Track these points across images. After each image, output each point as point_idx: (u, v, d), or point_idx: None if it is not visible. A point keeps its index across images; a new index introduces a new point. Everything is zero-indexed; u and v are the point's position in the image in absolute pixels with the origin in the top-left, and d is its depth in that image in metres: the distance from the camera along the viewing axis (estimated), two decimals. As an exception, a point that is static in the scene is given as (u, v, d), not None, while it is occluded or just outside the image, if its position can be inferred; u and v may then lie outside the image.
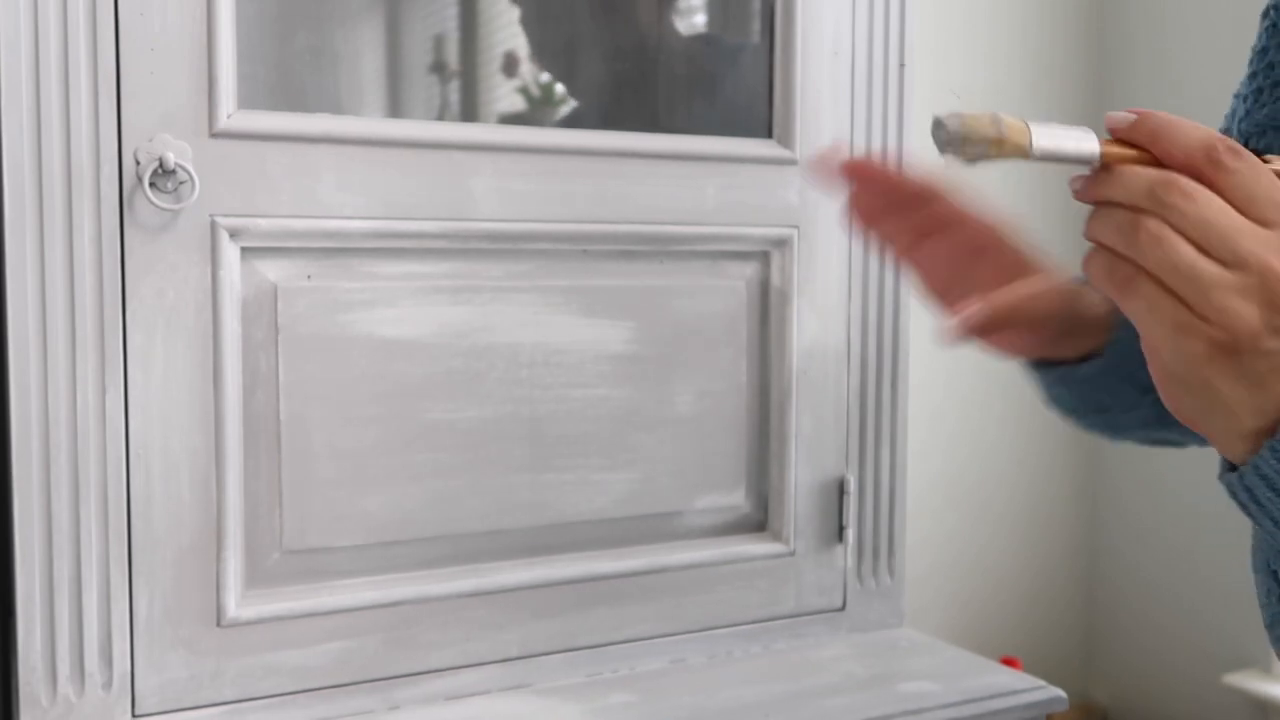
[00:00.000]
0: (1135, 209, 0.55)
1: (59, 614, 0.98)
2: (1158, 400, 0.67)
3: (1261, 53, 0.79)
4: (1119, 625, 2.37)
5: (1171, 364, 0.56)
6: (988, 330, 0.80)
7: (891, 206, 0.81)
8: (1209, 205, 0.53)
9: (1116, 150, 0.59)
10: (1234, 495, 0.61)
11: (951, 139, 0.60)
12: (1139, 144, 0.57)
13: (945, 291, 0.82)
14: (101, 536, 0.99)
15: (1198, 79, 2.14)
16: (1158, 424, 0.86)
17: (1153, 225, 0.54)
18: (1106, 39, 2.35)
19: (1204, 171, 0.54)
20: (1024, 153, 0.60)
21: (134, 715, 1.01)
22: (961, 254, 0.82)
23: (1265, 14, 0.79)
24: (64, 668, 0.99)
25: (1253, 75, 0.80)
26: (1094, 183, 0.57)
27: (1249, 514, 0.61)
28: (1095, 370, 0.83)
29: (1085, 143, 0.59)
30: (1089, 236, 0.57)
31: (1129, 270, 0.55)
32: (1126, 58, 2.32)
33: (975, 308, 0.78)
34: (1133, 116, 0.56)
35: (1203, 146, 0.54)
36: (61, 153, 0.95)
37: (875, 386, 1.31)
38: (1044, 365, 0.86)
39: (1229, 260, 0.53)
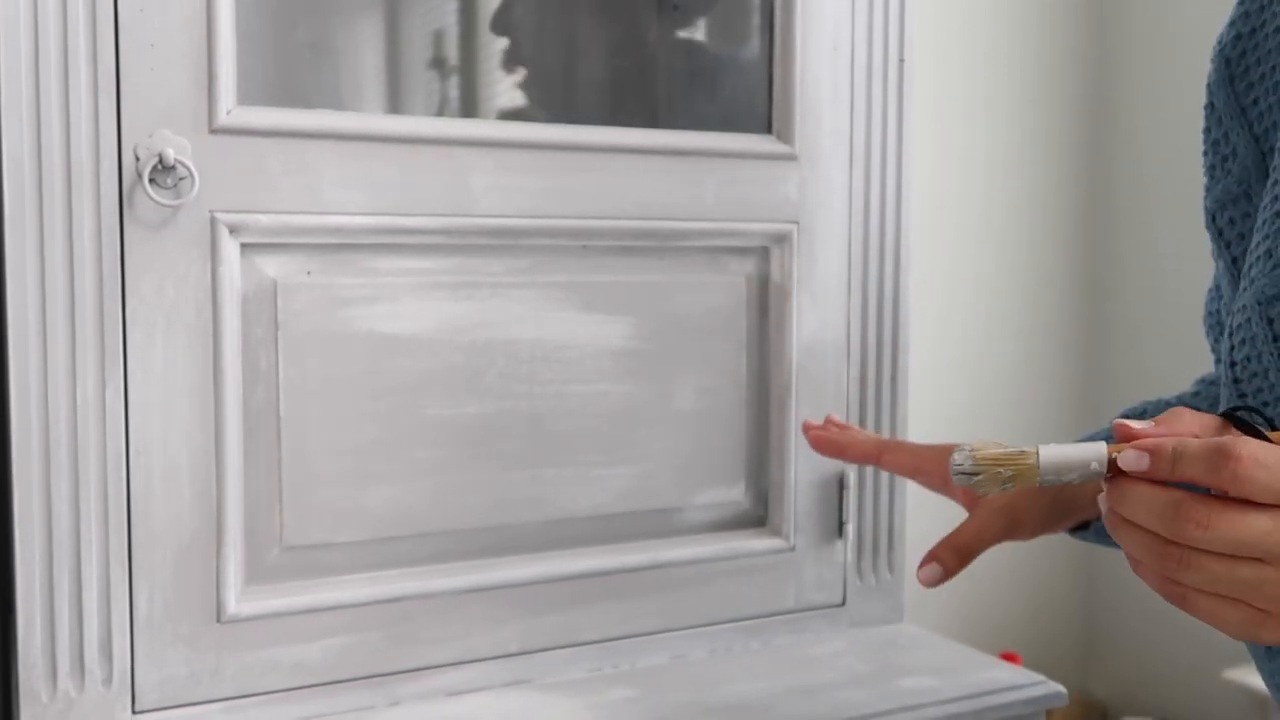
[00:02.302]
0: (1158, 535, 0.62)
1: (59, 610, 0.98)
2: None
3: (1206, 132, 0.86)
4: (1119, 620, 2.37)
5: (1239, 637, 0.64)
6: (951, 572, 0.94)
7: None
8: (1228, 525, 0.59)
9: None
10: None
11: (969, 479, 0.67)
12: (1158, 479, 0.62)
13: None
14: (101, 533, 0.99)
15: (1198, 75, 2.14)
16: None
17: (1178, 555, 0.61)
18: (1106, 33, 2.34)
19: (1216, 483, 0.60)
20: (1034, 479, 0.66)
21: (134, 711, 1.02)
22: (929, 484, 0.97)
23: (1208, 98, 0.85)
24: (64, 664, 0.99)
25: (1204, 154, 0.86)
26: (1113, 499, 0.64)
27: None
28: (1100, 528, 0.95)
29: (1093, 460, 0.65)
30: (1129, 553, 0.65)
31: (1179, 589, 0.63)
32: (1125, 53, 2.32)
33: (928, 566, 0.93)
34: (1145, 457, 0.62)
35: (1207, 465, 0.60)
36: (61, 149, 0.95)
37: (875, 381, 1.31)
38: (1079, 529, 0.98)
39: (1264, 557, 0.59)
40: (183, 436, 1.02)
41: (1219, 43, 0.83)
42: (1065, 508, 0.96)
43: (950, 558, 0.95)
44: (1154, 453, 0.62)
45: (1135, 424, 0.65)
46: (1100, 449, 0.65)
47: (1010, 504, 0.95)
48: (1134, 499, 0.62)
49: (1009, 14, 2.25)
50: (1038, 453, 0.66)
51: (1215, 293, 0.93)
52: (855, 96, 1.27)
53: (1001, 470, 0.67)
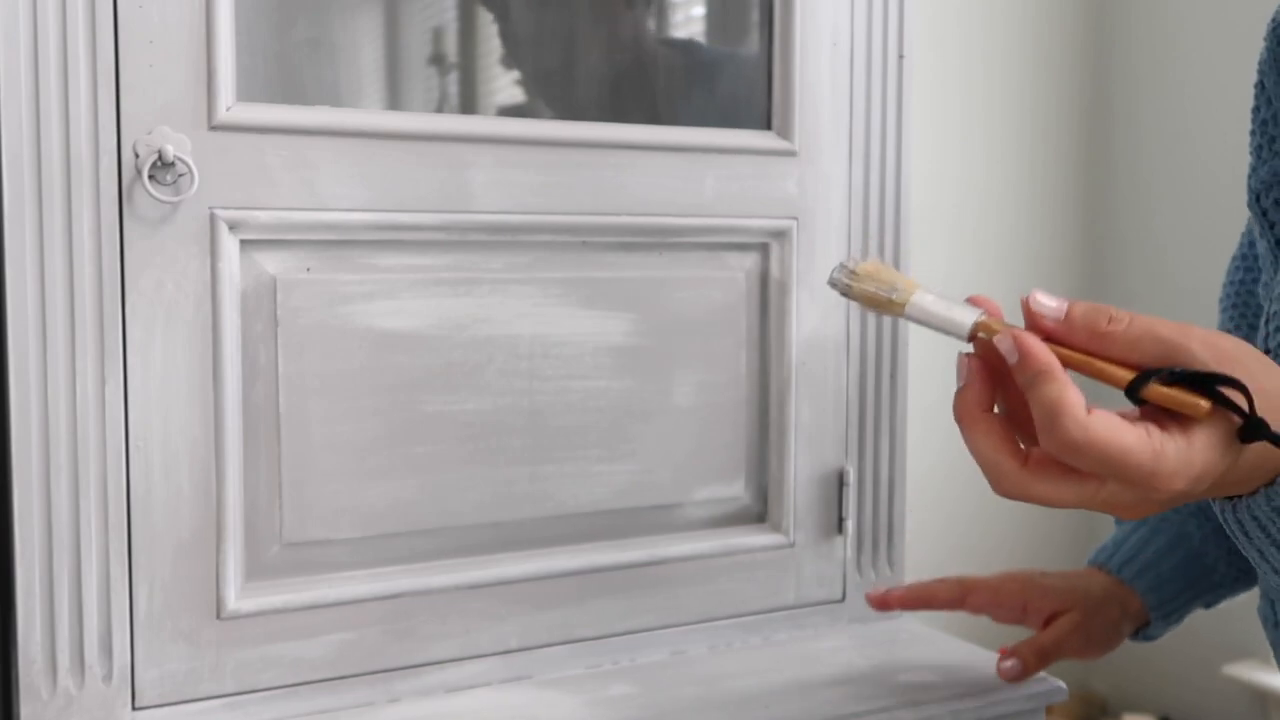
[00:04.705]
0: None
1: (59, 607, 0.98)
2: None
3: (1255, 111, 0.85)
4: (1119, 616, 2.37)
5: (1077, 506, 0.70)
6: (1031, 670, 1.12)
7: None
8: (1041, 490, 0.68)
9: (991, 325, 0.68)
10: (1225, 524, 0.71)
11: (844, 292, 0.72)
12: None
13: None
14: (101, 529, 0.99)
15: (1199, 69, 2.13)
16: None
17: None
18: (1106, 29, 2.34)
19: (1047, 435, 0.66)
20: (898, 314, 0.71)
21: (134, 708, 1.02)
22: (1007, 618, 1.14)
23: (1258, 76, 0.85)
24: (64, 660, 0.99)
25: (1251, 134, 0.86)
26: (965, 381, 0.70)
27: (1238, 543, 0.72)
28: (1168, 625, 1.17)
29: (959, 327, 0.69)
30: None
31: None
32: (1125, 49, 2.32)
33: (1010, 662, 1.11)
34: (1015, 355, 0.67)
35: (1046, 413, 0.65)
36: (60, 146, 0.95)
37: (875, 378, 1.31)
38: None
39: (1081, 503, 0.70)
40: (182, 433, 1.02)
41: (1273, 21, 0.82)
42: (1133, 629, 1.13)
43: (1032, 658, 1.10)
44: (1024, 355, 0.65)
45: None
46: (968, 321, 0.69)
47: (1085, 625, 1.09)
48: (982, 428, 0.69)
49: (1008, 10, 2.25)
50: (907, 303, 0.70)
51: (1240, 263, 0.93)
52: (855, 92, 1.27)
53: (872, 297, 0.71)
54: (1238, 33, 1.96)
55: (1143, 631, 1.16)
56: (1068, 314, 0.65)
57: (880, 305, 0.71)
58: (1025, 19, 2.21)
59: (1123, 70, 2.27)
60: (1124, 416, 0.64)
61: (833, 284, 0.72)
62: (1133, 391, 0.65)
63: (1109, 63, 2.29)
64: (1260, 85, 0.84)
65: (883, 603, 1.17)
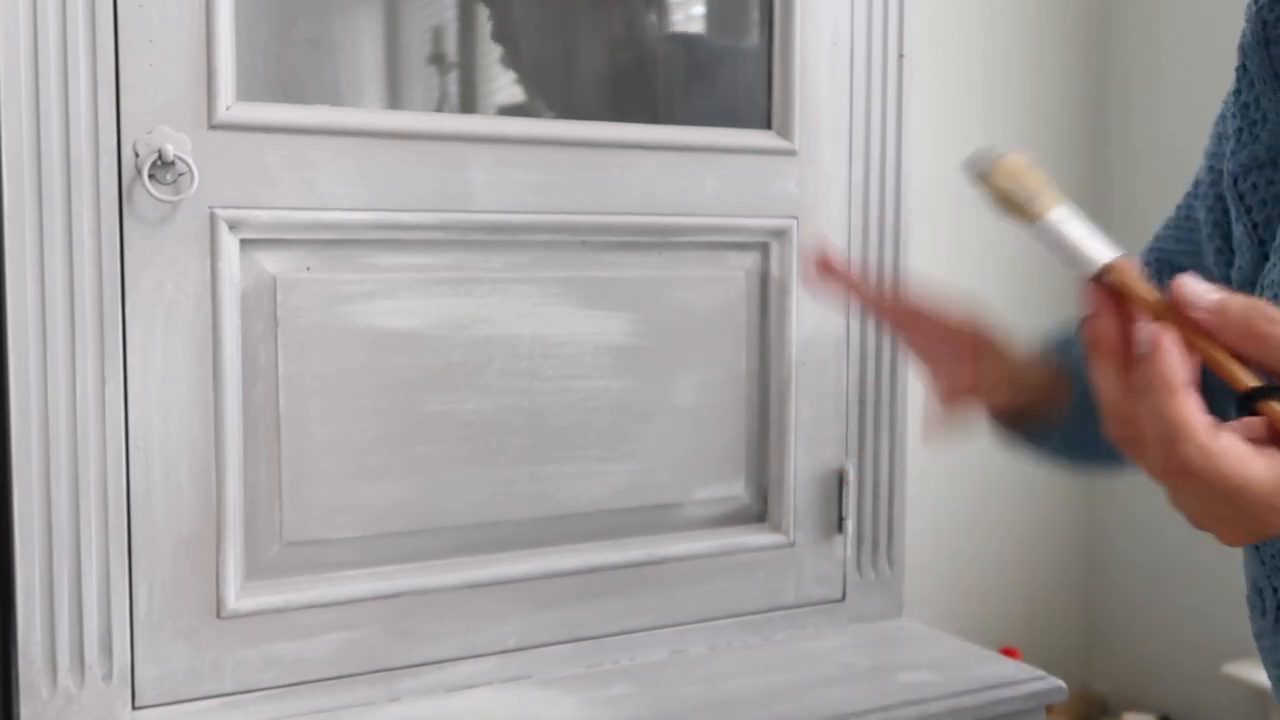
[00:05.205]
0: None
1: (59, 606, 0.98)
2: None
3: (1235, 94, 0.83)
4: (1119, 615, 2.37)
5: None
6: (957, 418, 0.88)
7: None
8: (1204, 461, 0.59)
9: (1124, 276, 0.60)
10: None
11: (979, 179, 0.63)
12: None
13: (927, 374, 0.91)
14: (101, 528, 0.99)
15: (1196, 68, 2.13)
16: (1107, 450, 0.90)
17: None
18: (1105, 28, 2.34)
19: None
20: (1027, 219, 0.62)
21: (134, 707, 1.02)
22: (929, 347, 0.90)
23: (1240, 59, 0.83)
24: (64, 659, 0.99)
25: (1231, 117, 0.83)
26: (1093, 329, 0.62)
27: None
28: (1065, 423, 0.90)
29: (1097, 251, 0.61)
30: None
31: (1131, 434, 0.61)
32: (1124, 48, 2.32)
33: (933, 413, 0.88)
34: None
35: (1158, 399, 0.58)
36: (61, 145, 0.95)
37: (875, 377, 1.31)
38: (1023, 429, 0.92)
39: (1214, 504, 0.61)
40: (182, 432, 1.02)
41: (1255, 3, 0.80)
42: (1024, 391, 0.91)
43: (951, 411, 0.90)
44: (1159, 361, 0.58)
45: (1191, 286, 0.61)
46: (1101, 261, 0.61)
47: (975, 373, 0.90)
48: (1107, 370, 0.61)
49: (1008, 10, 2.25)
50: (1048, 214, 0.62)
51: (1173, 231, 0.91)
52: (855, 92, 1.27)
53: (1008, 197, 0.63)
54: (1236, 34, 1.96)
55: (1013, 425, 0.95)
56: (1223, 306, 0.60)
57: (1012, 209, 0.63)
58: (1025, 19, 2.21)
59: (1122, 71, 2.27)
60: (1253, 439, 0.59)
61: (969, 168, 0.64)
62: (1250, 400, 0.60)
63: (1108, 63, 2.29)
64: (1242, 68, 0.82)
65: (826, 267, 0.98)
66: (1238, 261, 0.82)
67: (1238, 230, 0.83)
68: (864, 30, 1.27)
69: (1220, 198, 0.85)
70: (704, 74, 1.35)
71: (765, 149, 1.24)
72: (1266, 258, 0.79)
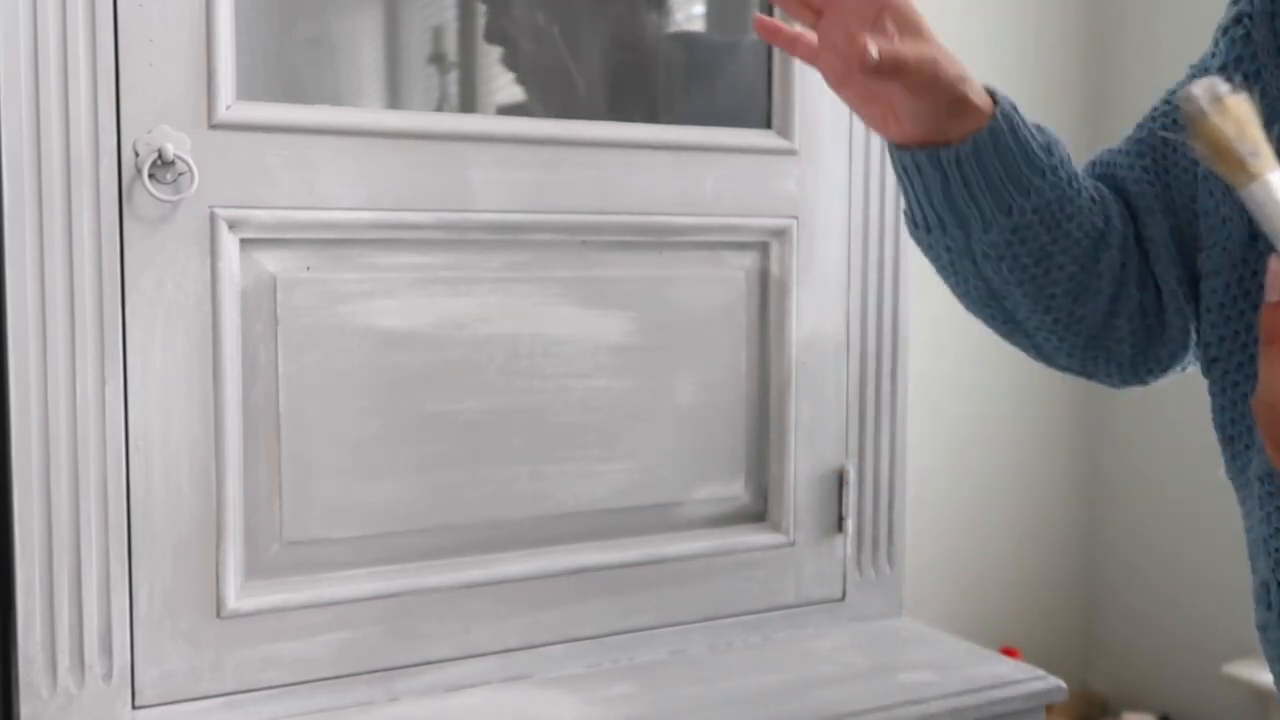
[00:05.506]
0: None
1: (59, 606, 0.98)
2: (1017, 227, 0.77)
3: (1236, 61, 0.80)
4: (1119, 615, 2.37)
5: None
6: (885, 71, 0.77)
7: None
8: None
9: None
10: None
11: (1194, 118, 0.56)
12: None
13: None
14: (101, 528, 0.99)
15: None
16: (1011, 261, 0.82)
17: None
18: (1105, 27, 2.34)
19: None
20: (1242, 177, 0.56)
21: (134, 706, 1.02)
22: (853, 21, 0.83)
23: (1244, 28, 0.80)
24: (64, 659, 0.99)
25: (1199, 70, 0.81)
26: None
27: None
28: (965, 154, 0.78)
29: None
30: None
31: None
32: (1124, 47, 2.32)
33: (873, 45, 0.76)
34: None
35: None
36: (61, 145, 0.95)
37: (875, 376, 1.31)
38: (917, 150, 0.81)
39: None
40: (182, 432, 1.01)
41: None
42: (953, 102, 0.78)
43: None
44: None
45: None
46: None
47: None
48: None
49: (1008, 10, 2.25)
50: (1260, 176, 0.55)
51: (1134, 145, 0.89)
52: (855, 91, 1.27)
53: (1224, 147, 0.56)
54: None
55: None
56: None
57: (1224, 160, 0.56)
58: (1025, 18, 2.21)
59: (1122, 71, 2.27)
60: None
61: (1185, 102, 0.57)
62: None
63: (1108, 63, 2.29)
64: (1247, 36, 0.79)
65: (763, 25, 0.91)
66: (1229, 232, 0.80)
67: (1226, 204, 0.80)
68: (864, 30, 1.27)
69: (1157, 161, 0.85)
70: (704, 73, 1.35)
71: (765, 148, 1.24)
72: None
